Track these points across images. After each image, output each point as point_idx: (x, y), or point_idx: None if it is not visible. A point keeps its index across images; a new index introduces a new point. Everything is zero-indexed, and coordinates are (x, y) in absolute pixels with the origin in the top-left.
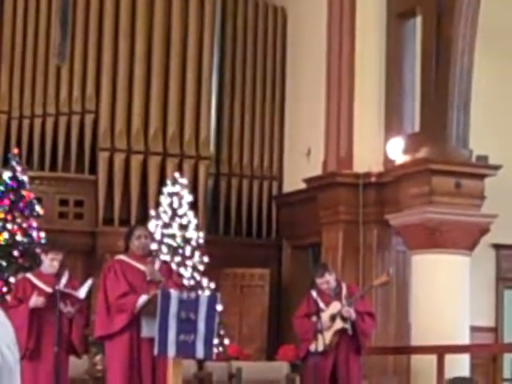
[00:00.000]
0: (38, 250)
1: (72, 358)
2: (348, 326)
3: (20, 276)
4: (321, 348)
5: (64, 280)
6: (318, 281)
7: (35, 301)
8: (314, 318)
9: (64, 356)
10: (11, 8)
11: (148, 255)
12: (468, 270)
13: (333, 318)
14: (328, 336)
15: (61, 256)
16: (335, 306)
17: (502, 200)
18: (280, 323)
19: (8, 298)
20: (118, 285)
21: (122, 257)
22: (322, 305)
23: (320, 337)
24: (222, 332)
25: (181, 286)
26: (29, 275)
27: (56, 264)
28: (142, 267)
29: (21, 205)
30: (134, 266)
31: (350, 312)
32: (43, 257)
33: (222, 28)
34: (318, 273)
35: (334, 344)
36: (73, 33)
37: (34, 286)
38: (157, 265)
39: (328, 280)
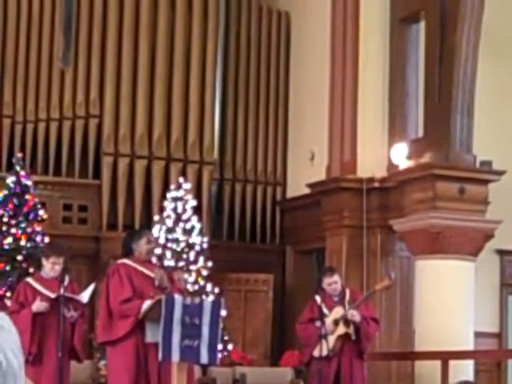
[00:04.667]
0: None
1: (75, 363)
2: (351, 330)
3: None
4: (324, 353)
5: (65, 284)
6: (327, 280)
7: (38, 306)
8: (318, 323)
9: (66, 361)
10: (15, 12)
11: (151, 260)
12: (472, 275)
13: (336, 322)
14: (331, 341)
15: (62, 260)
16: (338, 312)
17: (506, 205)
18: (284, 328)
19: (8, 302)
20: (121, 290)
21: (126, 261)
22: (325, 310)
23: (324, 342)
24: (225, 337)
25: (182, 292)
26: (29, 280)
27: (57, 268)
28: (148, 272)
29: (25, 209)
30: (140, 271)
31: (355, 314)
32: (44, 261)
33: (226, 32)
34: (327, 272)
35: (338, 349)
36: (76, 37)
37: (36, 291)
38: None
39: (337, 280)
